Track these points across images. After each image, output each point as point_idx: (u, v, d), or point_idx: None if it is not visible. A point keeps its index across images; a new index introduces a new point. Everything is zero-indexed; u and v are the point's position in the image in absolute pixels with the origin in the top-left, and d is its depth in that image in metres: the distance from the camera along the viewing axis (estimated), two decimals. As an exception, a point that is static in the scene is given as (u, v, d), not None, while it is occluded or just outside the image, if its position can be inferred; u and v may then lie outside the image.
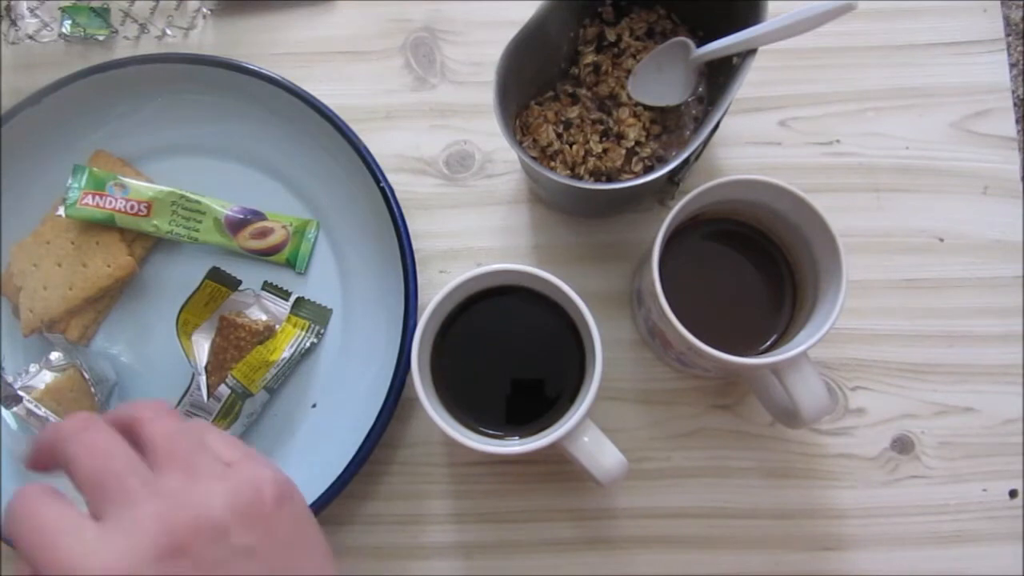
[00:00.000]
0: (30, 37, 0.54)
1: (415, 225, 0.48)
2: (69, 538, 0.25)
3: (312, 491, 0.45)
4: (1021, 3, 0.54)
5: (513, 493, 0.48)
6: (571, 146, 0.46)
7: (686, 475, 0.48)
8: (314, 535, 0.30)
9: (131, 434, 0.29)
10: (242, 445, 0.31)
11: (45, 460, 0.29)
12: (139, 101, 0.51)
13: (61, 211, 0.49)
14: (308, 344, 0.49)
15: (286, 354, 0.48)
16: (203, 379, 0.47)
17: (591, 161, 0.46)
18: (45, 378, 0.47)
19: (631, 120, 0.46)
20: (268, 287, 0.50)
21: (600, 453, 0.40)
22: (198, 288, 0.48)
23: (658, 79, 0.46)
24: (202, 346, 0.48)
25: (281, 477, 0.29)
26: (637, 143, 0.46)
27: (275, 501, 0.28)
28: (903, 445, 0.48)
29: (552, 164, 0.47)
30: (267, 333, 0.48)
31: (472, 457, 0.48)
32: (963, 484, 0.48)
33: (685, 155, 0.41)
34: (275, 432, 0.49)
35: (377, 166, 0.48)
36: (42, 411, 0.47)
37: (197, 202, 0.49)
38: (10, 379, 0.48)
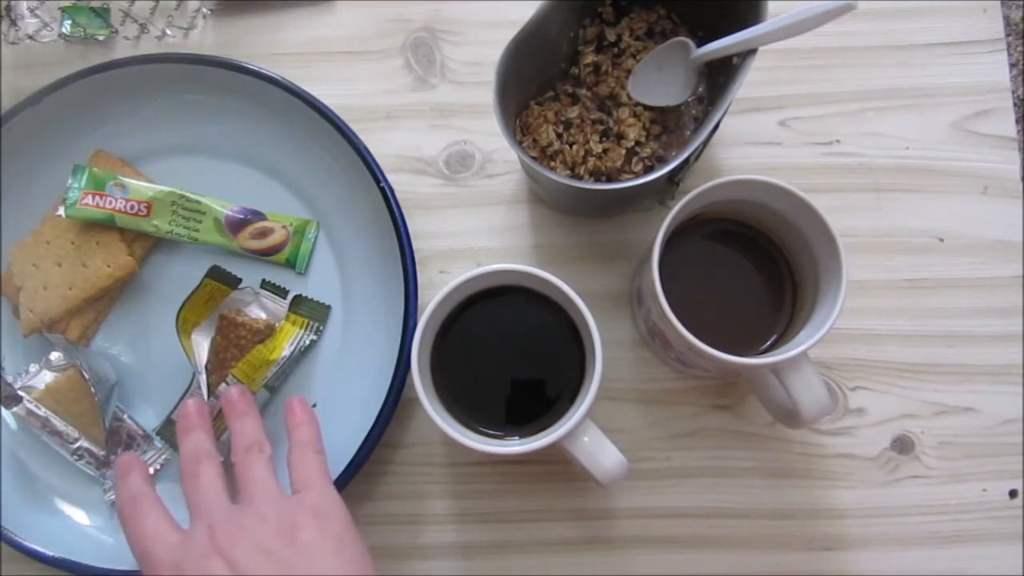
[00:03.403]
0: (30, 37, 0.54)
1: (415, 225, 0.48)
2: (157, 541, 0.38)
3: (312, 491, 0.45)
4: (1021, 3, 0.54)
5: (513, 493, 0.48)
6: (571, 146, 0.46)
7: (686, 475, 0.48)
8: (337, 560, 0.37)
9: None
10: (310, 471, 0.40)
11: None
12: (139, 101, 0.51)
13: (61, 211, 0.49)
14: (308, 342, 0.49)
15: (286, 352, 0.48)
16: (203, 378, 0.47)
17: (591, 161, 0.46)
18: (45, 378, 0.47)
19: (631, 120, 0.46)
20: (266, 285, 0.50)
21: (600, 453, 0.40)
22: (198, 286, 0.48)
23: (658, 79, 0.46)
24: (202, 345, 0.48)
25: (316, 513, 0.38)
26: (637, 143, 0.46)
27: (308, 535, 0.37)
28: (903, 445, 0.48)
29: (552, 164, 0.47)
30: (267, 332, 0.48)
31: (472, 457, 0.48)
32: (963, 484, 0.48)
33: (685, 155, 0.41)
34: (276, 432, 0.48)
35: (377, 166, 0.48)
36: (42, 411, 0.47)
37: (197, 202, 0.49)
38: (10, 379, 0.48)
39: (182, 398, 0.48)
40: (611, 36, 0.48)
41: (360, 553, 0.38)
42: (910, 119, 0.52)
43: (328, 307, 0.50)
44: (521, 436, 0.42)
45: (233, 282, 0.49)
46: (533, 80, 0.47)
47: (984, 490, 0.48)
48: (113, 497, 0.47)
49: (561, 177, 0.43)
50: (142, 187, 0.49)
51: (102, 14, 0.54)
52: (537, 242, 0.51)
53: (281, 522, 0.37)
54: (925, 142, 0.51)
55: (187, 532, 0.38)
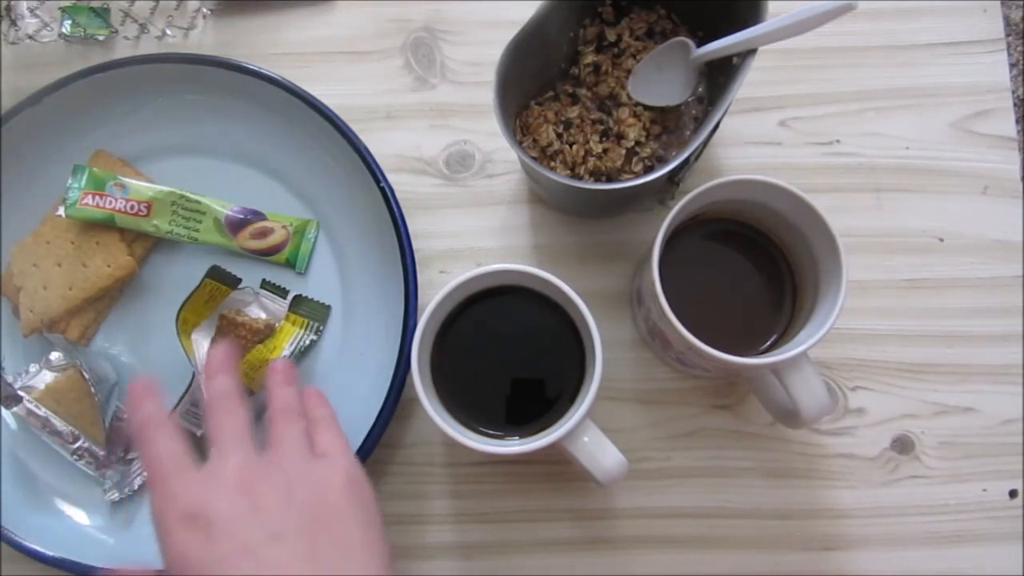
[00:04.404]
0: (30, 37, 0.54)
1: (415, 225, 0.48)
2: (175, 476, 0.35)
3: (312, 491, 0.44)
4: (1021, 3, 0.54)
5: (513, 493, 0.48)
6: (571, 146, 0.46)
7: (686, 475, 0.48)
8: (364, 533, 0.35)
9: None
10: (337, 441, 0.38)
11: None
12: (139, 101, 0.51)
13: (61, 211, 0.49)
14: (308, 342, 0.49)
15: (286, 352, 0.48)
16: (203, 378, 0.47)
17: (591, 161, 0.46)
18: (45, 378, 0.47)
19: (631, 120, 0.46)
20: (266, 285, 0.50)
21: (600, 453, 0.40)
22: (198, 286, 0.48)
23: (658, 79, 0.46)
24: (202, 345, 0.48)
25: (349, 478, 0.36)
26: (637, 143, 0.46)
27: (338, 498, 0.35)
28: (903, 445, 0.48)
29: (552, 164, 0.47)
30: (267, 332, 0.48)
31: (472, 457, 0.48)
32: (963, 484, 0.48)
33: (685, 155, 0.41)
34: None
35: (377, 166, 0.48)
36: (42, 411, 0.47)
37: (197, 202, 0.49)
38: (10, 379, 0.48)
39: (182, 398, 0.48)
40: (611, 36, 0.48)
41: (382, 537, 0.36)
42: (910, 119, 0.52)
43: (328, 307, 0.50)
44: (521, 436, 0.42)
45: (233, 282, 0.49)
46: (533, 80, 0.47)
47: (984, 490, 0.48)
48: (114, 496, 0.47)
49: (561, 177, 0.43)
50: (142, 187, 0.49)
51: (102, 14, 0.54)
52: (537, 242, 0.51)
53: (312, 476, 0.35)
54: (925, 142, 0.51)
55: (209, 463, 0.35)
